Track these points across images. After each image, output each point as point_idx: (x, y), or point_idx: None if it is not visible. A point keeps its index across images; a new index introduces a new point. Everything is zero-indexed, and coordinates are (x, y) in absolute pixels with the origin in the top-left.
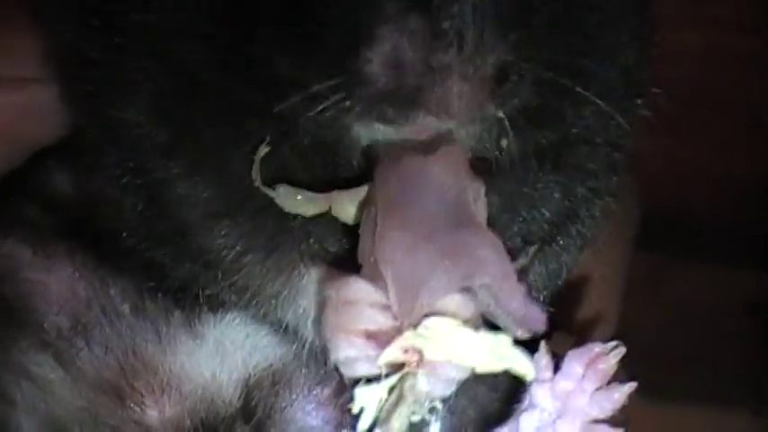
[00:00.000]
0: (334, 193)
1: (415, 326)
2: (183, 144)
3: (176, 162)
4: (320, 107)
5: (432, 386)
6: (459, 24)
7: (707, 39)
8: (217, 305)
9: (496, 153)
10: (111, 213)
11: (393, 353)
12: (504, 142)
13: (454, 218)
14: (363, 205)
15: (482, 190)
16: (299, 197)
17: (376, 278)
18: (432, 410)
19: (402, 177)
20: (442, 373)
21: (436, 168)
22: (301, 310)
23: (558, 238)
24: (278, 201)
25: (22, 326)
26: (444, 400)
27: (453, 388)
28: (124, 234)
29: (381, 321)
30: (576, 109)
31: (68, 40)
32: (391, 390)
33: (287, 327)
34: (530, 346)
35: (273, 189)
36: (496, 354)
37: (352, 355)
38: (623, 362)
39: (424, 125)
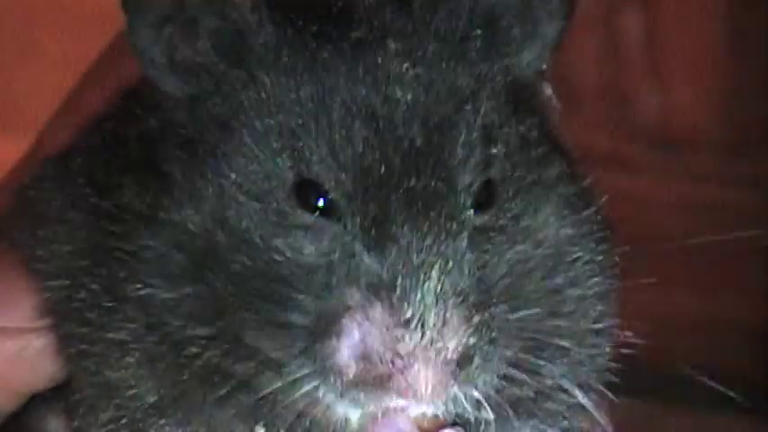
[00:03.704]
0: None
1: None
2: (173, 404)
3: (167, 420)
4: (298, 392)
5: None
6: (422, 312)
7: (687, 190)
8: None
9: (475, 413)
10: None
11: None
12: (483, 413)
13: None
14: None
15: None
16: None
17: None
18: None
19: None
20: None
21: None
22: None
23: None
24: None
25: None
26: None
27: None
28: None
29: None
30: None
31: (63, 296)
32: None
33: None
34: None
35: None
36: None
37: None
38: None
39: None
